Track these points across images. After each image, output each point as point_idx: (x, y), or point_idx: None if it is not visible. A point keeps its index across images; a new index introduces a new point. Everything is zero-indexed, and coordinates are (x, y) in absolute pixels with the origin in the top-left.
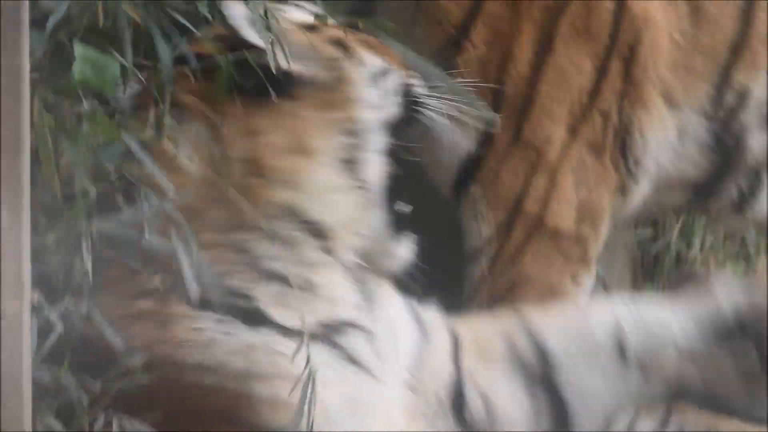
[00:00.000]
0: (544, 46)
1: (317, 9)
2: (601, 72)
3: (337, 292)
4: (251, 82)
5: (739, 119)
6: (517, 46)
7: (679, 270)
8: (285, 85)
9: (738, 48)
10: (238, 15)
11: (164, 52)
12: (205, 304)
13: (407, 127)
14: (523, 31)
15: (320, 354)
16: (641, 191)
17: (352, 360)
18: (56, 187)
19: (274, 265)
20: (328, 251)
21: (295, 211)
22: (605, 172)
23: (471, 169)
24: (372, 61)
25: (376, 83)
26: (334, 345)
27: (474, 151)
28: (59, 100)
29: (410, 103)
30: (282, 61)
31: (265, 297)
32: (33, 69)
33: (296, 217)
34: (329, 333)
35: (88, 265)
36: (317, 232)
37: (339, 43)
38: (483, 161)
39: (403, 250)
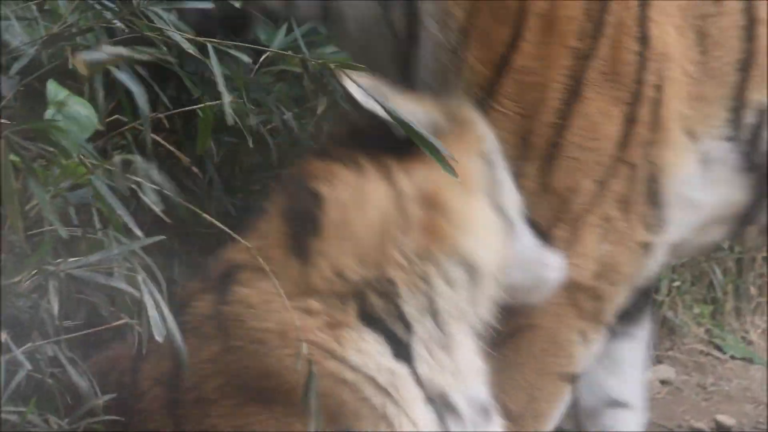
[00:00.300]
0: (573, 94)
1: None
2: (630, 120)
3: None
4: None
5: (764, 136)
6: (545, 95)
7: None
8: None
9: (746, 66)
10: (360, 90)
11: (141, 97)
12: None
13: None
14: (553, 79)
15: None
16: (666, 245)
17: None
18: (19, 227)
19: (442, 305)
20: (476, 294)
21: (463, 252)
22: (631, 229)
23: None
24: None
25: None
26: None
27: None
28: (28, 142)
29: None
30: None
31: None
32: (2, 111)
33: (464, 259)
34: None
35: (55, 307)
36: (474, 274)
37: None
38: None
39: (555, 272)
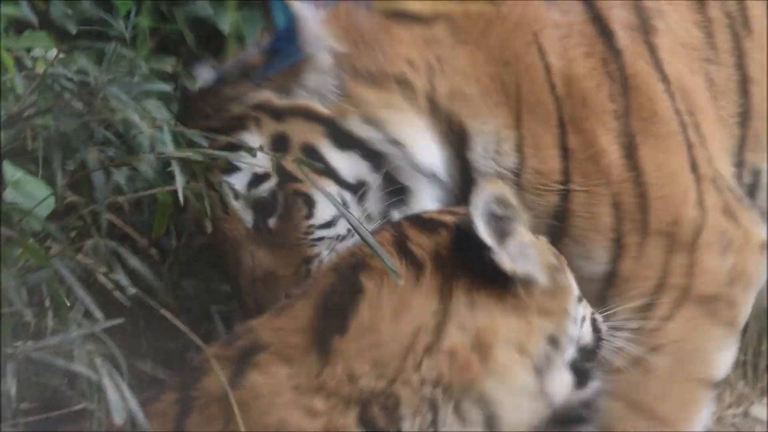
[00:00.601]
0: (631, 147)
1: None
2: (688, 145)
3: None
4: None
5: (756, 201)
6: (610, 159)
7: None
8: (512, 280)
9: (744, 123)
10: (485, 213)
11: (99, 181)
12: None
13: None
14: (609, 143)
15: None
16: None
17: None
18: None
19: None
20: None
21: (489, 400)
22: (745, 233)
23: (607, 284)
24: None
25: (579, 303)
26: None
27: (610, 270)
28: None
29: (597, 335)
30: (511, 263)
31: None
32: None
33: (487, 405)
34: None
35: (12, 390)
36: (492, 424)
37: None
38: (616, 274)
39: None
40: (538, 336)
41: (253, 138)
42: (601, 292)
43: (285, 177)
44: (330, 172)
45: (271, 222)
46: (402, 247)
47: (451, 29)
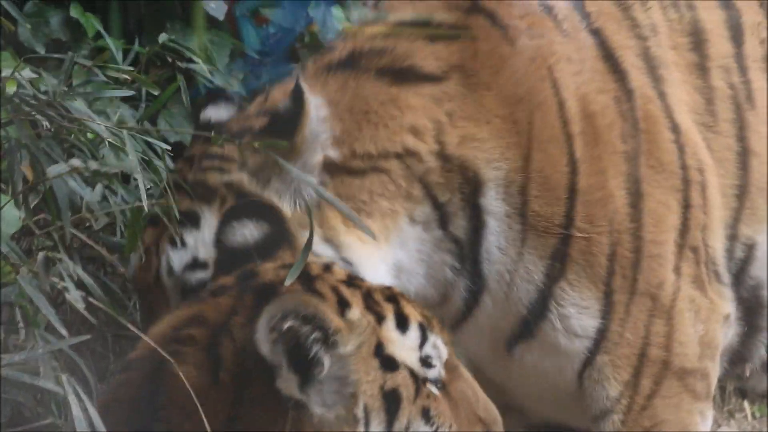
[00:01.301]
0: (636, 195)
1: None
2: (685, 207)
3: None
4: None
5: (750, 274)
6: (615, 205)
7: None
8: (290, 405)
9: (741, 196)
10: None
11: (61, 192)
12: None
13: None
14: (616, 187)
15: None
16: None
17: None
18: None
19: None
20: None
21: None
22: (711, 304)
23: (597, 344)
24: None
25: None
26: None
27: (599, 326)
28: None
29: None
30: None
31: None
32: None
33: None
34: None
35: None
36: None
37: (395, 399)
38: (606, 331)
39: None
40: None
41: (210, 215)
42: (590, 357)
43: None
44: None
45: None
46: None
47: (464, 79)
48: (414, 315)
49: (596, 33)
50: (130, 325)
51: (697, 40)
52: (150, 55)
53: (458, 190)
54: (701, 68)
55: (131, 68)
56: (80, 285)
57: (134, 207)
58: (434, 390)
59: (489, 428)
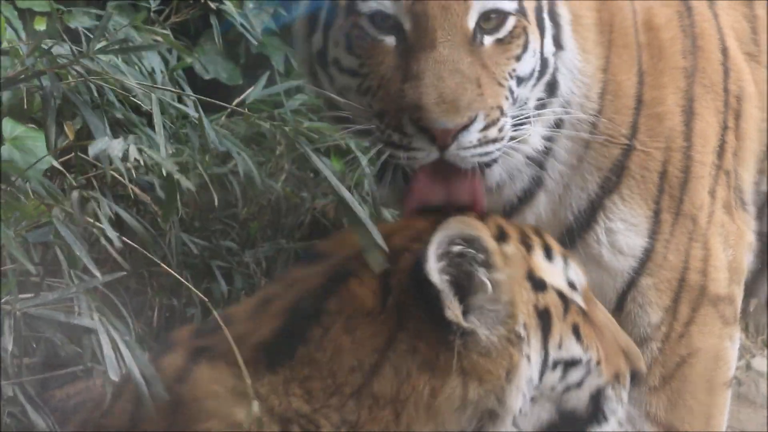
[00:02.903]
0: (691, 113)
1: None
2: (723, 129)
3: None
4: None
5: None
6: (673, 121)
7: None
8: (457, 332)
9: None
10: (441, 254)
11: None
12: None
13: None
14: (676, 104)
15: None
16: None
17: None
18: None
19: None
20: None
21: None
22: (739, 230)
23: (642, 264)
24: (569, 349)
25: (558, 371)
26: None
27: (646, 245)
28: None
29: (593, 408)
30: (462, 315)
31: None
32: None
33: None
34: None
35: (9, 344)
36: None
37: (547, 317)
38: (652, 252)
39: None
40: (467, 395)
41: None
42: (635, 277)
43: None
44: None
45: None
46: (386, 281)
47: None
48: (556, 246)
49: None
50: (163, 265)
51: None
52: None
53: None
54: None
55: (166, 32)
56: (114, 224)
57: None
58: (581, 311)
59: (632, 362)
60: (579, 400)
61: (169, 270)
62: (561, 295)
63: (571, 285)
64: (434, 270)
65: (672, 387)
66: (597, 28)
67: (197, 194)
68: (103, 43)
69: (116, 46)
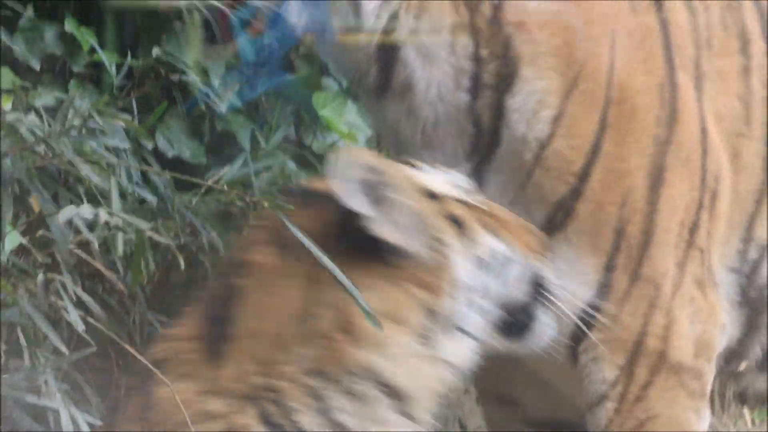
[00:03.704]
0: (658, 179)
1: (460, 181)
2: (699, 207)
3: None
4: (352, 242)
5: (761, 273)
6: (635, 181)
7: None
8: (387, 250)
9: (759, 199)
10: (351, 180)
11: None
12: None
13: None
14: (640, 166)
15: None
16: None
17: None
18: None
19: (345, 418)
20: (404, 414)
21: (373, 371)
22: (711, 308)
23: (589, 319)
24: (489, 245)
25: (488, 269)
26: None
27: (593, 302)
28: None
29: (536, 292)
30: (387, 232)
31: None
32: None
33: (374, 377)
34: None
35: None
36: (394, 394)
37: (456, 221)
38: (601, 308)
39: None
40: (413, 306)
41: None
42: (577, 331)
43: None
44: None
45: None
46: (280, 237)
47: None
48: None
49: (663, 22)
50: (127, 347)
51: (744, 41)
52: (145, 68)
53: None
54: (746, 71)
55: (128, 116)
56: (79, 303)
57: (139, 235)
58: (483, 210)
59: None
60: (519, 290)
61: (132, 351)
62: (459, 200)
63: (462, 190)
64: (351, 194)
65: None
66: (559, 59)
67: (163, 270)
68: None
69: (78, 131)
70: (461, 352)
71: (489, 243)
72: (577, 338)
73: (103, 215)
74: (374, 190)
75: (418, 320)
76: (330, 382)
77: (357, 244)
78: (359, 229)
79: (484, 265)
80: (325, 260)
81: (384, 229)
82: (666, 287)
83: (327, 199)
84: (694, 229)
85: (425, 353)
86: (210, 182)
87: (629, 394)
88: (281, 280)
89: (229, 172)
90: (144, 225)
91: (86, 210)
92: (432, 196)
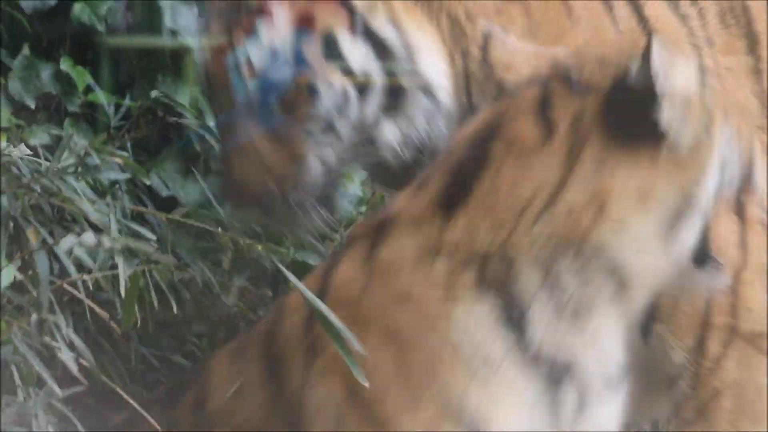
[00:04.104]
0: None
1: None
2: None
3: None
4: (629, 122)
5: None
6: None
7: None
8: (658, 134)
9: None
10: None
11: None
12: None
13: None
14: None
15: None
16: None
17: None
18: None
19: (566, 298)
20: (619, 303)
21: (610, 253)
22: None
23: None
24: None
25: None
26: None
27: None
28: None
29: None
30: (666, 117)
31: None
32: None
33: (609, 259)
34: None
35: None
36: (620, 281)
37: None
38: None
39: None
40: (668, 194)
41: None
42: (646, 322)
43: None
44: (341, 61)
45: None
46: (542, 108)
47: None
48: None
49: None
50: (118, 389)
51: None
52: (142, 109)
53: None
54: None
55: (125, 153)
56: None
57: (132, 275)
58: None
59: None
60: None
61: (123, 394)
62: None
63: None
64: (662, 73)
65: (708, 419)
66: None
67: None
68: (64, 162)
69: (74, 169)
70: (685, 247)
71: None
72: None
73: (106, 241)
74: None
75: (668, 210)
76: (564, 257)
77: (629, 123)
78: (636, 109)
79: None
80: (293, 279)
81: (663, 114)
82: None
83: (597, 89)
84: (741, 207)
85: (662, 239)
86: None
87: (703, 369)
88: (538, 153)
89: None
90: (149, 248)
91: (88, 237)
92: (702, 85)
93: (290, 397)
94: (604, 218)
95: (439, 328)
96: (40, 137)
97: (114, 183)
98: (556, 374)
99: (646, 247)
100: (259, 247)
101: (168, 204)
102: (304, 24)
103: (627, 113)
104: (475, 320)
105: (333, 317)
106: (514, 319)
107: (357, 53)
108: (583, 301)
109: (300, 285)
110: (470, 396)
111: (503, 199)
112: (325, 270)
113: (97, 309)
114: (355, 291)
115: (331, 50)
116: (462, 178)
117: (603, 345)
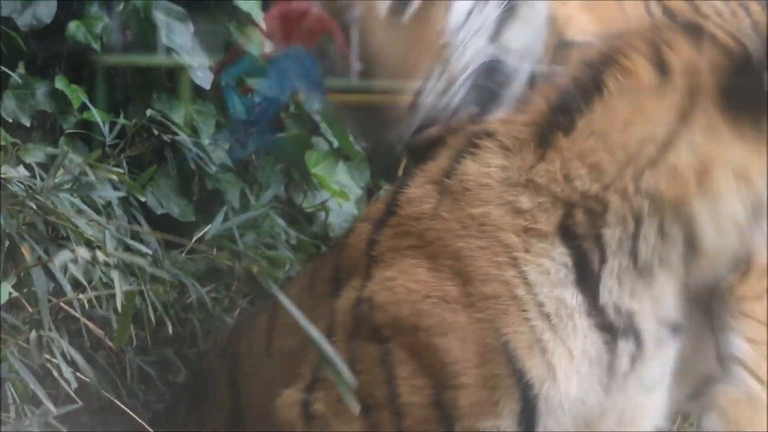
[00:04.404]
0: None
1: None
2: None
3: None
4: (744, 96)
5: None
6: None
7: None
8: (760, 110)
9: None
10: None
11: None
12: None
13: None
14: None
15: None
16: None
17: None
18: None
19: (644, 249)
20: (689, 265)
21: (694, 219)
22: None
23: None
24: None
25: None
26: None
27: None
28: None
29: None
30: None
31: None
32: None
33: (691, 225)
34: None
35: None
36: (693, 247)
37: None
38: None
39: None
40: (761, 175)
41: None
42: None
43: None
44: None
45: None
46: (655, 50)
47: None
48: None
49: None
50: (118, 402)
51: None
52: (137, 128)
53: None
54: None
55: (120, 170)
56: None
57: (127, 292)
58: None
59: None
60: None
61: (124, 407)
62: None
63: None
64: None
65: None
66: None
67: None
68: (59, 179)
69: (70, 185)
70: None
71: None
72: None
73: (101, 256)
74: None
75: (759, 191)
76: (657, 211)
77: (744, 98)
78: (753, 85)
79: None
80: (287, 303)
81: None
82: None
83: (721, 48)
84: None
85: (744, 222)
86: (193, 241)
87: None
88: (652, 99)
89: (212, 228)
90: (143, 262)
91: (83, 252)
92: None
93: None
94: (704, 189)
95: (515, 264)
96: (35, 155)
97: (109, 202)
98: (618, 327)
99: (728, 229)
100: (254, 268)
101: (162, 221)
102: None
103: (743, 87)
104: (550, 265)
105: (327, 346)
106: (588, 270)
107: None
108: (655, 258)
109: (292, 308)
110: (536, 343)
111: (611, 141)
112: (395, 189)
113: (92, 326)
114: (427, 208)
115: None
116: (567, 106)
117: (664, 303)
